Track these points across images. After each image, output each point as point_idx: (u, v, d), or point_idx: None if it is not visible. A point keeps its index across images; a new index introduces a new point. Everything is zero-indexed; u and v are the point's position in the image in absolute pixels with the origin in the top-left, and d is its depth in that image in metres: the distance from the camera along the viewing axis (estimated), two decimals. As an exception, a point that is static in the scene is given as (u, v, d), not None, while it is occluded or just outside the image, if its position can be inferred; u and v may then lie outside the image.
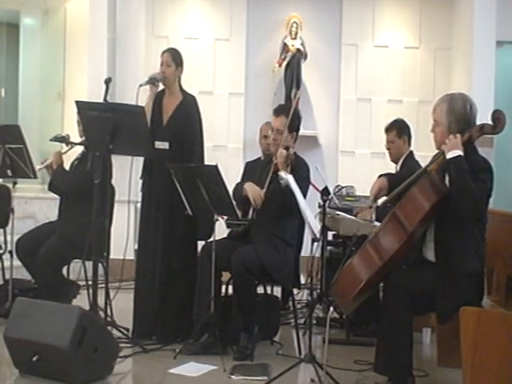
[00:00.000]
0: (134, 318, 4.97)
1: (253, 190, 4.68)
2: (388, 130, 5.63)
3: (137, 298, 5.01)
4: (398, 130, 5.58)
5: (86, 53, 7.73)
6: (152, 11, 8.37)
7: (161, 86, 5.10)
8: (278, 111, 4.86)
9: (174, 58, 5.07)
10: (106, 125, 4.36)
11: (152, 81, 5.00)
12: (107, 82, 4.65)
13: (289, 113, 4.74)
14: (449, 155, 3.63)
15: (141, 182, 5.12)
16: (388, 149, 5.64)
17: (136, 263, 5.07)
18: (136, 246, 5.28)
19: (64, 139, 5.37)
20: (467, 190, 3.53)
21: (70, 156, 5.53)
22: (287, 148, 4.59)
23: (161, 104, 5.09)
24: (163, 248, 4.93)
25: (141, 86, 4.90)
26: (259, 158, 5.75)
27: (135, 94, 4.77)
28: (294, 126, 4.81)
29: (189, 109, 5.07)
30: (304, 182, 4.67)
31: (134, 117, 4.42)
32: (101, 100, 4.56)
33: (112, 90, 5.81)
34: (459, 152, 3.61)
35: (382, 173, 4.13)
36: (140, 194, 5.14)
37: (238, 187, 4.84)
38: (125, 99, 6.68)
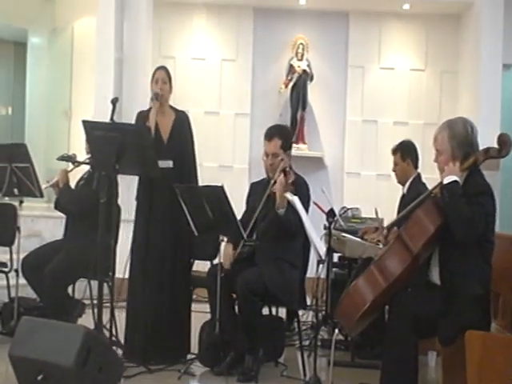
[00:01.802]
0: (127, 338, 4.97)
1: (224, 253, 4.69)
2: (394, 152, 5.65)
3: (132, 318, 5.00)
4: (402, 152, 5.58)
5: (93, 72, 7.78)
6: (159, 31, 8.44)
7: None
8: (271, 135, 4.80)
9: (168, 76, 5.12)
10: (112, 144, 4.36)
11: (156, 96, 5.02)
12: (114, 101, 4.64)
13: (281, 133, 4.73)
14: (445, 181, 3.67)
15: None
16: (394, 171, 5.66)
17: (132, 283, 5.05)
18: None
19: (70, 158, 5.41)
20: (459, 215, 3.56)
21: (76, 174, 5.57)
22: (285, 172, 4.54)
23: (156, 123, 5.03)
24: (169, 270, 4.94)
25: (152, 99, 5.00)
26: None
27: (149, 105, 4.91)
28: (289, 143, 4.81)
29: (184, 126, 5.11)
30: (305, 202, 4.67)
31: (140, 137, 4.45)
32: (107, 119, 4.56)
33: (119, 109, 5.90)
34: (455, 178, 3.65)
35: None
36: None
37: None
38: (132, 119, 6.62)
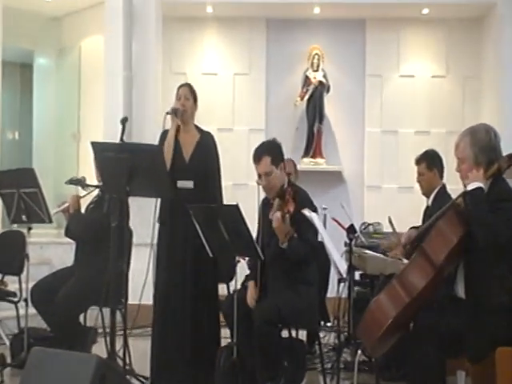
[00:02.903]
0: (153, 366, 4.98)
1: (248, 295, 4.69)
2: (418, 161, 5.58)
3: (158, 346, 4.99)
4: (428, 161, 5.51)
5: (101, 92, 7.85)
6: (169, 47, 8.55)
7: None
8: (258, 155, 4.69)
9: (192, 92, 5.13)
10: (122, 166, 4.32)
11: (174, 111, 5.02)
12: (123, 121, 4.59)
13: (269, 149, 4.68)
14: (469, 187, 3.66)
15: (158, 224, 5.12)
16: (418, 181, 5.59)
17: (157, 309, 5.06)
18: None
19: (80, 182, 5.45)
20: (481, 220, 3.54)
21: (86, 199, 5.61)
22: (282, 196, 4.46)
23: (178, 141, 5.10)
24: (192, 293, 4.96)
25: (167, 113, 4.98)
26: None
27: (161, 123, 4.96)
28: (279, 157, 4.73)
29: (209, 146, 5.13)
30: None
31: (152, 157, 4.41)
32: (117, 140, 4.54)
33: (129, 129, 5.96)
34: (479, 184, 3.63)
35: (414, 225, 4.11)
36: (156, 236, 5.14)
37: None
38: (142, 139, 6.92)
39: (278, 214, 4.41)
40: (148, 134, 7.34)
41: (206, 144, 5.12)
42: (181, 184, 4.90)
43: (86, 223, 5.37)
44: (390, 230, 5.56)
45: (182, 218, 4.94)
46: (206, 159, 5.08)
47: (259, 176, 4.71)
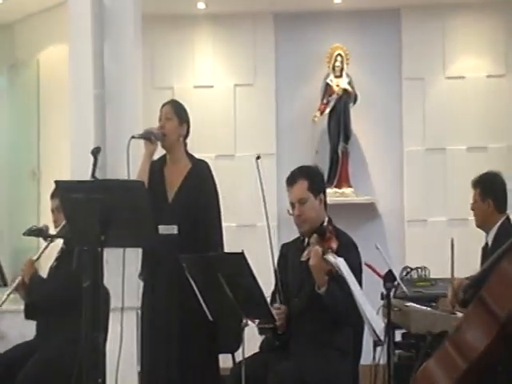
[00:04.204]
0: None
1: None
2: (473, 185, 5.62)
3: None
4: (482, 189, 5.54)
5: (66, 116, 7.78)
6: (151, 57, 8.59)
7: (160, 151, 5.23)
8: (293, 178, 4.87)
9: (176, 111, 5.25)
10: (95, 209, 4.37)
11: (148, 135, 5.12)
12: (95, 152, 4.68)
13: (308, 173, 4.84)
14: None
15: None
16: (472, 209, 5.62)
17: None
18: (139, 367, 5.35)
19: (41, 232, 5.49)
20: None
21: (49, 255, 5.63)
22: (322, 234, 4.57)
23: (162, 175, 5.21)
24: (179, 365, 5.00)
25: (133, 137, 5.08)
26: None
27: (125, 148, 4.97)
28: (320, 185, 4.87)
29: (201, 177, 5.21)
30: (357, 271, 4.66)
31: (133, 196, 4.43)
32: (88, 177, 4.60)
33: (102, 162, 6.06)
34: None
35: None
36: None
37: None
38: (119, 173, 6.54)
39: (318, 248, 4.50)
40: (126, 167, 7.31)
41: (198, 175, 5.21)
42: (162, 229, 4.97)
43: (50, 289, 5.40)
44: (439, 276, 5.58)
45: (164, 274, 5.08)
46: (198, 195, 5.15)
47: (292, 205, 4.82)
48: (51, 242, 5.49)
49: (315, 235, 4.64)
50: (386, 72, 8.63)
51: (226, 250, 5.27)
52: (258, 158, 5.11)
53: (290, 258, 4.95)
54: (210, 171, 5.26)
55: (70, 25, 7.70)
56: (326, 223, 4.74)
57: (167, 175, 5.22)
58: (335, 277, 4.48)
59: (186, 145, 5.31)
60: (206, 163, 5.30)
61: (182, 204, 5.14)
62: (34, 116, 8.78)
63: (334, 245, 4.53)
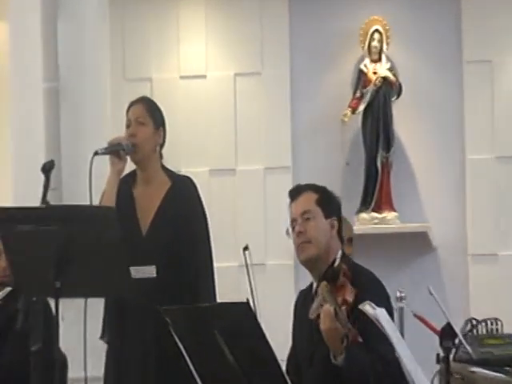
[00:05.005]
0: None
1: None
2: None
3: None
4: None
5: (5, 117, 7.86)
6: (121, 39, 8.71)
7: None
8: (300, 188, 4.79)
9: (150, 113, 5.19)
10: (48, 246, 4.23)
11: (115, 148, 5.07)
12: (47, 168, 4.55)
13: (317, 187, 4.78)
14: None
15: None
16: None
17: None
18: None
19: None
20: None
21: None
22: (333, 277, 4.41)
23: (131, 199, 5.16)
24: None
25: (96, 154, 5.04)
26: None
27: (87, 164, 4.95)
28: (331, 203, 4.75)
29: (184, 202, 5.16)
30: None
31: (100, 227, 4.30)
32: (37, 202, 4.48)
33: (56, 181, 6.16)
34: None
35: None
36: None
37: None
38: (79, 197, 6.39)
39: (328, 307, 4.28)
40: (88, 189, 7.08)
41: (180, 197, 5.15)
42: (136, 272, 4.87)
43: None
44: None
45: (136, 331, 5.06)
46: (179, 226, 5.09)
47: (293, 222, 4.71)
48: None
49: (324, 283, 4.42)
50: (440, 54, 8.59)
51: (223, 299, 4.89)
52: (246, 249, 5.06)
53: (297, 310, 4.91)
54: (196, 190, 5.20)
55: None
56: (338, 260, 4.58)
57: (139, 199, 5.17)
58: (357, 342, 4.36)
59: (161, 156, 5.24)
60: (189, 180, 5.24)
61: (160, 237, 5.11)
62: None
63: (350, 296, 4.37)
